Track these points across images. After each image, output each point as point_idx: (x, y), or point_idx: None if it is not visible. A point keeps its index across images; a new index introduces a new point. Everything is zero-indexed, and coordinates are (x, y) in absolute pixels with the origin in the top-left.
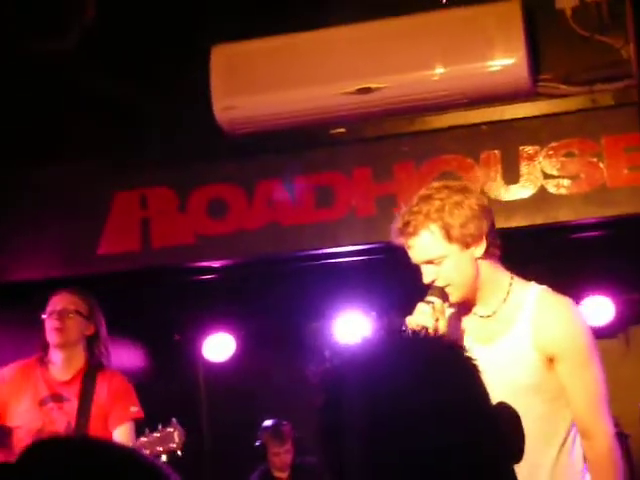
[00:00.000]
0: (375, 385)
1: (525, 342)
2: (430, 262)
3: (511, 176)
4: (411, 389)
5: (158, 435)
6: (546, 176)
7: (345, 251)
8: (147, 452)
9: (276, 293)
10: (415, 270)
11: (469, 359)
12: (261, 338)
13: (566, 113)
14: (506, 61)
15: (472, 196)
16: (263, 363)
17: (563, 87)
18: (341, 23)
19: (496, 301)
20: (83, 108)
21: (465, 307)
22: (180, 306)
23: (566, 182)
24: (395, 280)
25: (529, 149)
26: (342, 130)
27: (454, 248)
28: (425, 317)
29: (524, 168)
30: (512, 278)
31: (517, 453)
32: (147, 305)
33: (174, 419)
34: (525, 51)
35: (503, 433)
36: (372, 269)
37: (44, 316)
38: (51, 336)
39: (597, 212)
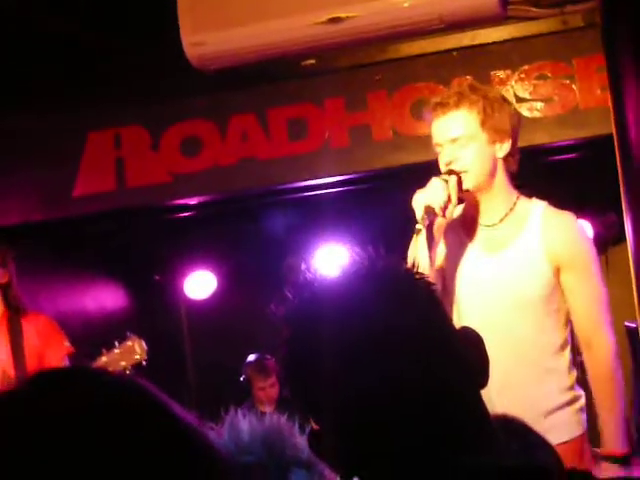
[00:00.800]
0: (340, 316)
1: (536, 252)
2: (455, 140)
3: None
4: (373, 318)
5: (118, 351)
6: (519, 99)
7: (320, 183)
8: (111, 369)
9: (254, 228)
10: (391, 199)
11: (432, 288)
12: (241, 274)
13: (537, 36)
14: None
15: (511, 102)
16: (244, 299)
17: (533, 9)
18: None
19: (503, 210)
20: (50, 51)
21: (471, 216)
22: (159, 245)
23: (539, 105)
24: (371, 211)
25: (501, 73)
26: (313, 61)
27: (484, 136)
28: (437, 192)
29: None
30: (519, 193)
31: (482, 378)
32: (126, 245)
33: (129, 332)
34: None
35: (466, 359)
36: (347, 200)
37: None
38: None
39: (571, 134)
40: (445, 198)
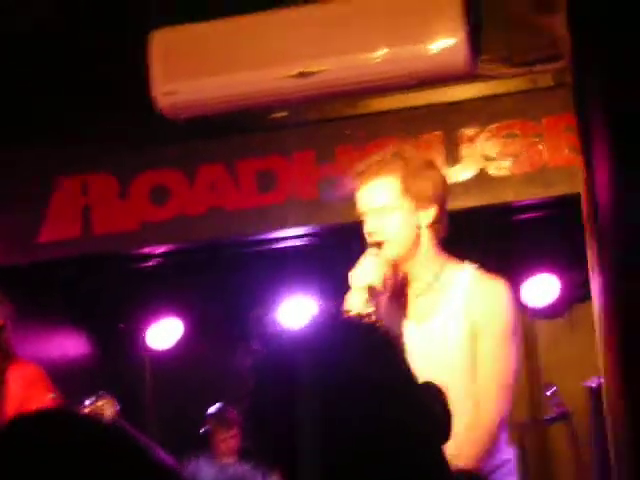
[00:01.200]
0: (306, 366)
1: (459, 319)
2: (377, 211)
3: (452, 158)
4: (339, 368)
5: (88, 410)
6: (487, 158)
7: (288, 235)
8: None
9: (220, 278)
10: (360, 253)
11: (397, 342)
12: (207, 324)
13: (506, 94)
14: (446, 42)
15: (437, 167)
16: (209, 349)
17: (503, 68)
18: (281, 6)
19: (430, 277)
20: (20, 92)
21: (400, 287)
22: (124, 293)
23: (507, 163)
24: (338, 263)
25: (470, 131)
26: (284, 114)
27: (406, 204)
28: (374, 269)
29: (465, 150)
30: (447, 257)
31: (446, 432)
32: (91, 293)
33: (102, 391)
34: (465, 33)
35: (429, 410)
36: (316, 253)
37: None
38: None
39: (539, 193)
40: (383, 272)
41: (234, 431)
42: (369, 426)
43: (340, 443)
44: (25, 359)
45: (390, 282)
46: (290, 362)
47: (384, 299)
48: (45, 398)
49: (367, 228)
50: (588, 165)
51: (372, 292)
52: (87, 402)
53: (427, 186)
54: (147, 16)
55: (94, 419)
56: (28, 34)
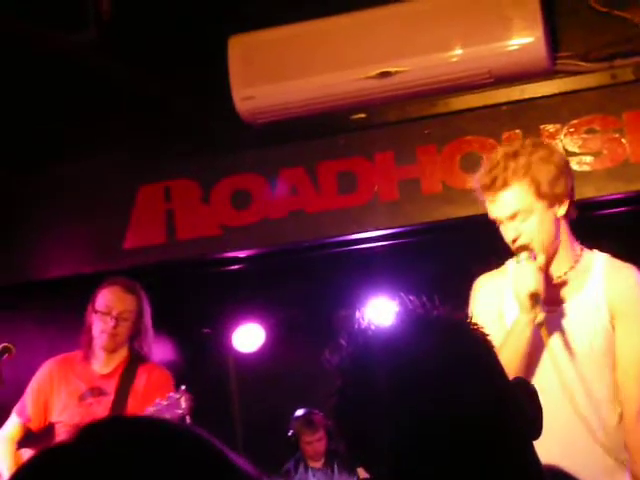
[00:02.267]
0: (394, 362)
1: (600, 300)
2: (514, 217)
3: None
4: (426, 366)
5: (165, 403)
6: (568, 154)
7: (369, 237)
8: None
9: (303, 281)
10: (441, 252)
11: (486, 336)
12: (290, 327)
13: (586, 90)
14: (524, 40)
15: (557, 152)
16: (293, 352)
17: (582, 64)
18: (359, 8)
19: (568, 264)
20: (104, 103)
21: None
22: (208, 298)
23: (588, 159)
24: (420, 264)
25: (550, 127)
26: (363, 115)
27: (541, 205)
28: (533, 276)
29: None
30: (580, 244)
31: (536, 429)
32: (175, 298)
33: (183, 386)
34: (543, 29)
35: (522, 409)
36: (397, 254)
37: (95, 311)
38: (101, 338)
39: (621, 188)
40: (542, 277)
41: (320, 434)
42: (456, 425)
43: (428, 444)
44: (154, 362)
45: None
46: (376, 362)
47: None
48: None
49: (509, 235)
50: None
51: (536, 299)
52: (167, 395)
53: (557, 182)
54: (227, 21)
55: (173, 428)
56: (103, 42)
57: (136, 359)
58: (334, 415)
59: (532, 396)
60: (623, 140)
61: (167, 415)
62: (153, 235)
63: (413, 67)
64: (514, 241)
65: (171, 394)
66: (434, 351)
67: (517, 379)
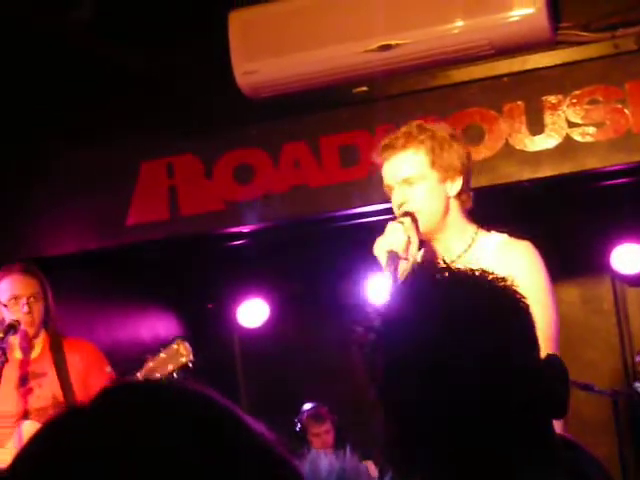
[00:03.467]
0: (423, 332)
1: None
2: (406, 182)
3: (536, 127)
4: (460, 334)
5: (164, 355)
6: (571, 124)
7: (372, 210)
8: (158, 375)
9: (307, 255)
10: None
11: (523, 302)
12: (294, 302)
13: (588, 60)
14: (526, 10)
15: (461, 140)
16: (297, 327)
17: (584, 34)
18: None
19: (461, 246)
20: (104, 80)
21: (430, 260)
22: (212, 273)
23: (591, 130)
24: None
25: (552, 98)
26: (364, 89)
27: (434, 175)
28: (396, 235)
29: (548, 118)
30: (478, 228)
31: (561, 408)
32: (179, 273)
33: (177, 337)
34: (544, 0)
35: (549, 385)
36: None
37: (3, 304)
38: (23, 322)
39: (624, 158)
40: (405, 239)
41: (327, 426)
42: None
43: (457, 421)
44: (74, 336)
45: (412, 251)
46: (408, 319)
47: (406, 265)
48: (104, 372)
49: (396, 199)
50: None
51: (392, 256)
52: (161, 348)
53: (453, 157)
54: None
55: (194, 392)
56: (102, 21)
57: (55, 337)
58: (370, 359)
59: (562, 375)
60: (626, 110)
61: (170, 366)
62: (156, 211)
63: (414, 39)
64: (400, 206)
65: (168, 345)
66: (463, 313)
67: (551, 356)
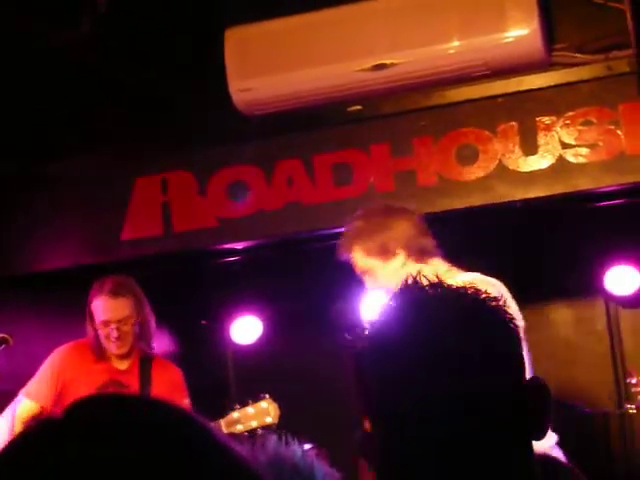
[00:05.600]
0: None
1: None
2: (364, 273)
3: (529, 147)
4: (445, 342)
5: (251, 410)
6: (564, 145)
7: None
8: (240, 427)
9: (300, 273)
10: (437, 244)
11: (510, 321)
12: (287, 319)
13: (582, 82)
14: (520, 32)
15: (398, 215)
16: (291, 344)
17: (578, 56)
18: (355, 0)
19: None
20: (100, 95)
21: None
22: (205, 289)
23: (584, 151)
24: None
25: (546, 119)
26: (359, 107)
27: (376, 262)
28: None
29: (542, 139)
30: (450, 268)
31: (541, 430)
32: (172, 289)
33: (266, 395)
34: (539, 21)
35: (531, 406)
36: None
37: (94, 323)
38: (112, 346)
39: (617, 180)
40: None
41: None
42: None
43: (431, 424)
44: (164, 358)
45: None
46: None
47: None
48: (183, 402)
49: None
50: None
51: None
52: (250, 402)
53: (382, 243)
54: (223, 13)
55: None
56: (98, 36)
57: (146, 356)
58: (358, 359)
59: (542, 396)
60: (619, 132)
61: (254, 423)
62: (150, 227)
63: (409, 59)
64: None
65: (257, 401)
66: (452, 331)
67: (533, 378)
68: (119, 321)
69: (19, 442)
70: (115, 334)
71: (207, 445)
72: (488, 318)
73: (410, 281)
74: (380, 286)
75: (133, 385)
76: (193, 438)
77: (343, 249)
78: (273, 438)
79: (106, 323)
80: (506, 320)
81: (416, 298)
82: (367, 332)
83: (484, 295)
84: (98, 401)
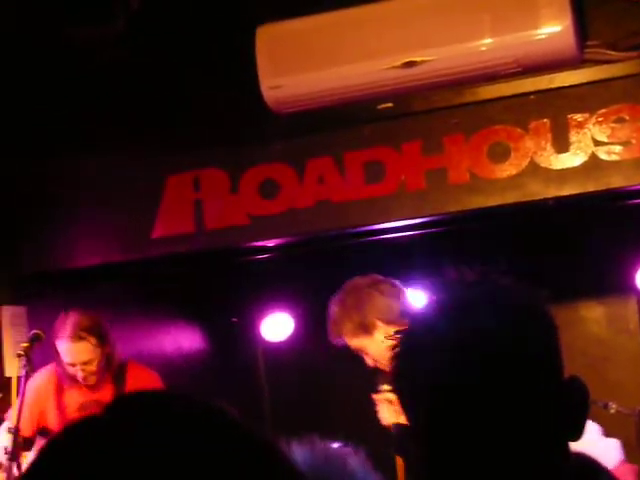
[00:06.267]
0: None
1: None
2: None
3: (561, 144)
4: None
5: None
6: (597, 143)
7: (397, 226)
8: None
9: (330, 270)
10: (468, 242)
11: (553, 324)
12: (318, 316)
13: (614, 79)
14: (553, 29)
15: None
16: (322, 341)
17: (611, 53)
18: None
19: None
20: (132, 93)
21: None
22: (236, 287)
23: (617, 148)
24: (447, 254)
25: (578, 116)
26: (390, 105)
27: (364, 340)
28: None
29: (574, 136)
30: None
31: (579, 430)
32: (204, 287)
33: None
34: (571, 18)
35: (568, 407)
36: (424, 243)
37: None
38: (82, 380)
39: None
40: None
41: None
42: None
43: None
44: (137, 363)
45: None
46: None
47: None
48: None
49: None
50: None
51: None
52: None
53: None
54: (255, 11)
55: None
56: (132, 34)
57: (118, 368)
58: (395, 354)
59: (583, 398)
60: None
61: None
62: (182, 224)
63: (440, 56)
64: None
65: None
66: (494, 335)
67: (573, 378)
68: (84, 363)
69: (62, 439)
70: (81, 374)
71: (252, 445)
72: (526, 317)
73: (449, 281)
74: (378, 361)
75: (109, 398)
76: (236, 436)
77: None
78: (320, 442)
79: (71, 364)
80: (545, 318)
81: (455, 297)
82: (405, 332)
83: (520, 293)
84: (140, 398)
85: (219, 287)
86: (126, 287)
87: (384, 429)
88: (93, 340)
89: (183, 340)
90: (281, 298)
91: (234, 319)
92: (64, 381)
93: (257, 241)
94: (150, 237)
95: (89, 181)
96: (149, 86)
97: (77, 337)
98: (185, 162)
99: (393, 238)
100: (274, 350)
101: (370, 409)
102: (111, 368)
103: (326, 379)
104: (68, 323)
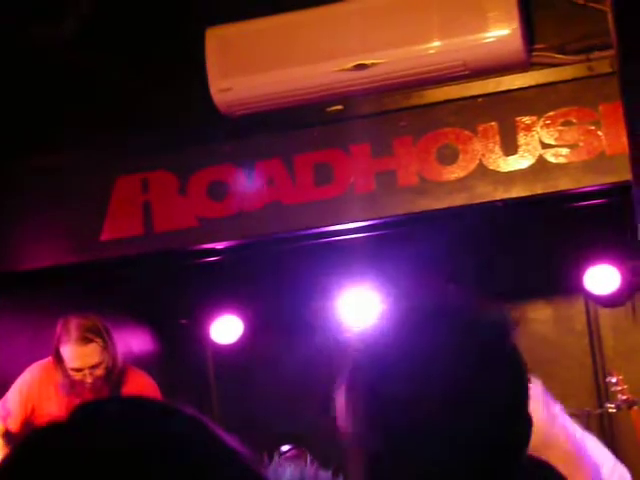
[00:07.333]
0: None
1: None
2: None
3: (509, 147)
4: (452, 373)
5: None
6: (544, 146)
7: (346, 228)
8: None
9: (280, 273)
10: (417, 244)
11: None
12: (268, 318)
13: (562, 82)
14: (500, 32)
15: None
16: (271, 343)
17: (558, 56)
18: (335, 0)
19: None
20: (81, 94)
21: None
22: (185, 289)
23: (565, 151)
24: (395, 256)
25: (526, 119)
26: (339, 107)
27: None
28: None
29: (522, 139)
30: None
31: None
32: (152, 289)
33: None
34: (519, 21)
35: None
36: (373, 245)
37: (64, 364)
38: (83, 386)
39: (597, 180)
40: None
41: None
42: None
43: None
44: (136, 369)
45: None
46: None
47: None
48: None
49: None
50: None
51: None
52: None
53: None
54: (205, 13)
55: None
56: (82, 35)
57: (118, 374)
58: (349, 384)
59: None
60: (599, 132)
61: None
62: (130, 226)
63: (389, 59)
64: None
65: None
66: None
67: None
68: (91, 367)
69: (27, 443)
70: (89, 379)
71: (210, 444)
72: (487, 331)
73: (405, 288)
74: None
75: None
76: (195, 437)
77: None
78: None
79: (78, 369)
80: (505, 331)
81: (413, 308)
82: (362, 340)
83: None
84: (100, 403)
85: (168, 289)
86: (75, 289)
87: (329, 429)
88: (100, 341)
89: (132, 342)
90: (230, 300)
91: (183, 321)
92: (64, 389)
93: (206, 243)
94: (99, 239)
95: (37, 182)
96: (99, 88)
97: (84, 339)
98: (134, 164)
99: (342, 240)
100: (223, 352)
101: (317, 411)
102: (113, 373)
103: (275, 381)
104: (71, 327)
